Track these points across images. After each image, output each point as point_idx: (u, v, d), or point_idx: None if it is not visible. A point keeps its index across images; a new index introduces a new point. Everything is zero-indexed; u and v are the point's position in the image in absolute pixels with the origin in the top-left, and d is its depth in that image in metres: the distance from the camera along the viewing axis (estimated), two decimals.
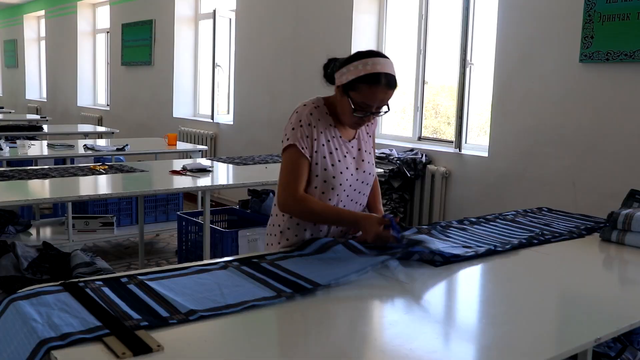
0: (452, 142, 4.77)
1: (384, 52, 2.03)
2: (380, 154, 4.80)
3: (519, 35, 4.16)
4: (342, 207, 2.10)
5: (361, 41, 5.34)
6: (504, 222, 2.63)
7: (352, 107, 1.96)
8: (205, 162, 4.45)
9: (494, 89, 4.33)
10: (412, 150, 4.87)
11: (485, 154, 4.45)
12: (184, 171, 3.89)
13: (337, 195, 2.07)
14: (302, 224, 2.10)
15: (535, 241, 2.31)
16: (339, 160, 2.06)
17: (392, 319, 1.61)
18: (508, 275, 2.01)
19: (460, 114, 4.61)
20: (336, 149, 2.07)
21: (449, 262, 1.97)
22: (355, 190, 2.13)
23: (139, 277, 1.69)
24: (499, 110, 4.32)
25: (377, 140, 5.17)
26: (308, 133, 2.02)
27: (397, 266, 1.91)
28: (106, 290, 1.59)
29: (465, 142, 4.70)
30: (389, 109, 2.03)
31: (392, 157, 4.72)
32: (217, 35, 6.90)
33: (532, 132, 4.11)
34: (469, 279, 1.99)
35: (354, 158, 2.12)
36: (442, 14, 5.11)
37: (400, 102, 5.55)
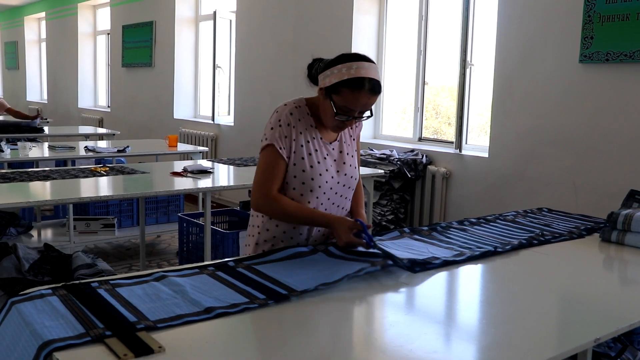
0: (452, 142, 4.77)
1: (369, 56, 1.99)
2: (381, 154, 4.80)
3: (519, 35, 4.16)
4: (322, 209, 2.06)
5: (361, 42, 5.35)
6: (504, 222, 2.63)
7: (334, 110, 1.93)
8: (206, 163, 4.45)
9: (494, 90, 4.34)
10: (412, 151, 4.88)
11: (486, 155, 4.46)
12: (184, 172, 3.90)
13: (317, 198, 2.03)
14: (280, 224, 2.07)
15: (536, 242, 2.31)
16: (319, 162, 2.02)
17: (393, 319, 1.62)
18: (508, 276, 2.02)
19: (460, 114, 4.61)
20: (316, 150, 2.03)
21: (425, 268, 1.93)
22: (336, 193, 2.09)
23: (111, 282, 1.67)
24: (499, 110, 4.32)
25: (377, 141, 5.26)
26: (287, 133, 1.98)
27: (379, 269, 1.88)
28: (109, 291, 1.60)
29: (466, 143, 4.71)
30: (371, 114, 2.01)
31: (392, 157, 4.72)
32: (218, 36, 6.91)
33: (532, 132, 4.12)
34: (469, 280, 2.00)
35: (335, 160, 2.08)
36: (442, 15, 5.11)
37: (400, 103, 5.56)
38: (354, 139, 2.18)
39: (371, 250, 1.96)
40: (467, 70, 4.61)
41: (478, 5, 4.67)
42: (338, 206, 2.12)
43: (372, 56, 5.43)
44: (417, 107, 5.19)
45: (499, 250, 2.17)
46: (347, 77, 1.89)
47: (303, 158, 2.00)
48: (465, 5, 4.53)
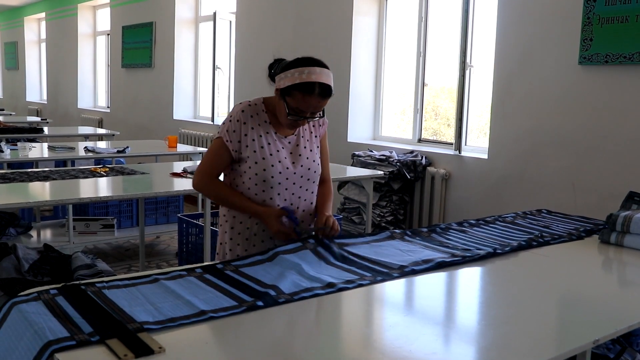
0: (451, 144, 4.78)
1: (323, 62, 2.07)
2: (380, 156, 4.81)
3: (518, 37, 4.17)
4: (285, 202, 2.15)
5: (361, 43, 5.36)
6: (504, 224, 2.64)
7: (287, 110, 2.05)
8: None
9: (494, 91, 4.35)
10: (412, 152, 4.88)
11: (485, 156, 4.46)
12: (184, 173, 3.90)
13: (272, 188, 2.12)
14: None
15: (535, 243, 2.32)
16: (271, 154, 2.12)
17: (392, 320, 1.62)
18: (507, 277, 2.02)
19: (460, 116, 4.62)
20: (269, 143, 2.13)
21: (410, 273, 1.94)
22: (295, 184, 2.17)
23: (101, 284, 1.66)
24: (498, 112, 4.33)
25: (376, 143, 5.27)
26: (235, 128, 2.11)
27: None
28: (107, 292, 1.60)
29: (465, 144, 4.72)
30: (323, 115, 2.15)
31: (391, 159, 4.73)
32: (218, 37, 6.91)
33: (532, 134, 4.12)
34: (469, 281, 2.00)
35: (290, 153, 2.17)
36: (441, 16, 5.12)
37: (400, 104, 5.57)
38: (315, 136, 2.26)
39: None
40: (467, 72, 4.62)
41: (478, 6, 4.67)
42: (300, 197, 2.20)
43: (372, 57, 5.44)
44: (416, 109, 5.20)
45: (499, 251, 2.17)
46: (299, 81, 2.00)
47: (255, 151, 2.11)
48: (465, 6, 4.54)
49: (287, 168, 2.14)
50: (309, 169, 2.20)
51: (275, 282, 1.74)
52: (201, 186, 2.19)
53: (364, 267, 1.94)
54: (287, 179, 2.14)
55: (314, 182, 2.23)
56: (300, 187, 2.19)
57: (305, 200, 2.21)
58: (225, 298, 1.62)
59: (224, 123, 2.16)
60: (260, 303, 1.59)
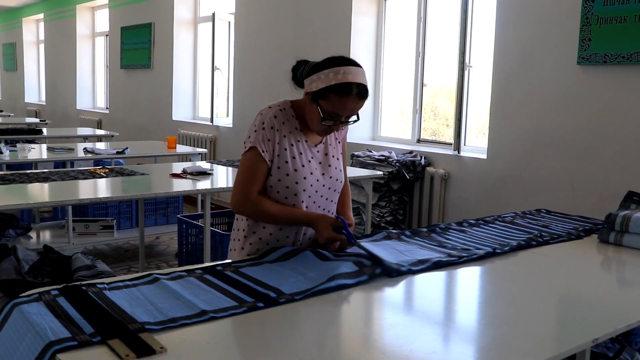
0: (451, 144, 4.78)
1: (355, 60, 1.97)
2: (380, 156, 4.81)
3: (517, 37, 4.18)
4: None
5: (360, 44, 5.36)
6: (503, 224, 2.64)
7: (321, 115, 1.91)
8: (205, 165, 4.46)
9: (493, 91, 4.35)
10: (411, 152, 4.89)
11: (484, 156, 4.47)
12: (184, 174, 3.91)
13: (302, 201, 2.01)
14: (267, 226, 2.05)
15: (534, 243, 2.32)
16: (303, 165, 2.00)
17: (392, 320, 1.62)
18: (507, 277, 2.03)
19: (459, 116, 4.62)
20: (300, 153, 2.01)
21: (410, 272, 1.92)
22: (321, 196, 2.06)
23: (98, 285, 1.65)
24: (497, 112, 4.34)
25: (376, 143, 5.27)
26: (270, 136, 1.97)
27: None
28: (108, 293, 1.61)
29: (464, 144, 4.72)
30: (358, 119, 1.99)
31: (391, 159, 4.73)
32: (216, 38, 6.92)
33: (531, 134, 4.13)
34: (468, 281, 2.01)
35: (320, 163, 2.06)
36: (440, 17, 5.13)
37: (399, 105, 5.57)
38: (339, 142, 2.16)
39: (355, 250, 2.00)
40: (466, 72, 4.63)
41: (476, 7, 4.68)
42: (324, 209, 2.10)
43: (371, 58, 5.44)
44: (415, 109, 5.21)
45: (498, 251, 2.18)
46: (335, 82, 1.87)
47: (287, 162, 1.98)
48: (464, 7, 4.55)
49: (318, 180, 2.03)
50: (336, 179, 2.09)
51: (275, 283, 1.74)
52: (244, 207, 2.00)
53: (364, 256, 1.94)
54: (316, 191, 2.03)
55: (337, 191, 2.13)
56: (326, 198, 2.09)
57: (325, 209, 2.11)
58: (226, 298, 1.62)
59: (255, 131, 1.97)
60: (260, 304, 1.59)
